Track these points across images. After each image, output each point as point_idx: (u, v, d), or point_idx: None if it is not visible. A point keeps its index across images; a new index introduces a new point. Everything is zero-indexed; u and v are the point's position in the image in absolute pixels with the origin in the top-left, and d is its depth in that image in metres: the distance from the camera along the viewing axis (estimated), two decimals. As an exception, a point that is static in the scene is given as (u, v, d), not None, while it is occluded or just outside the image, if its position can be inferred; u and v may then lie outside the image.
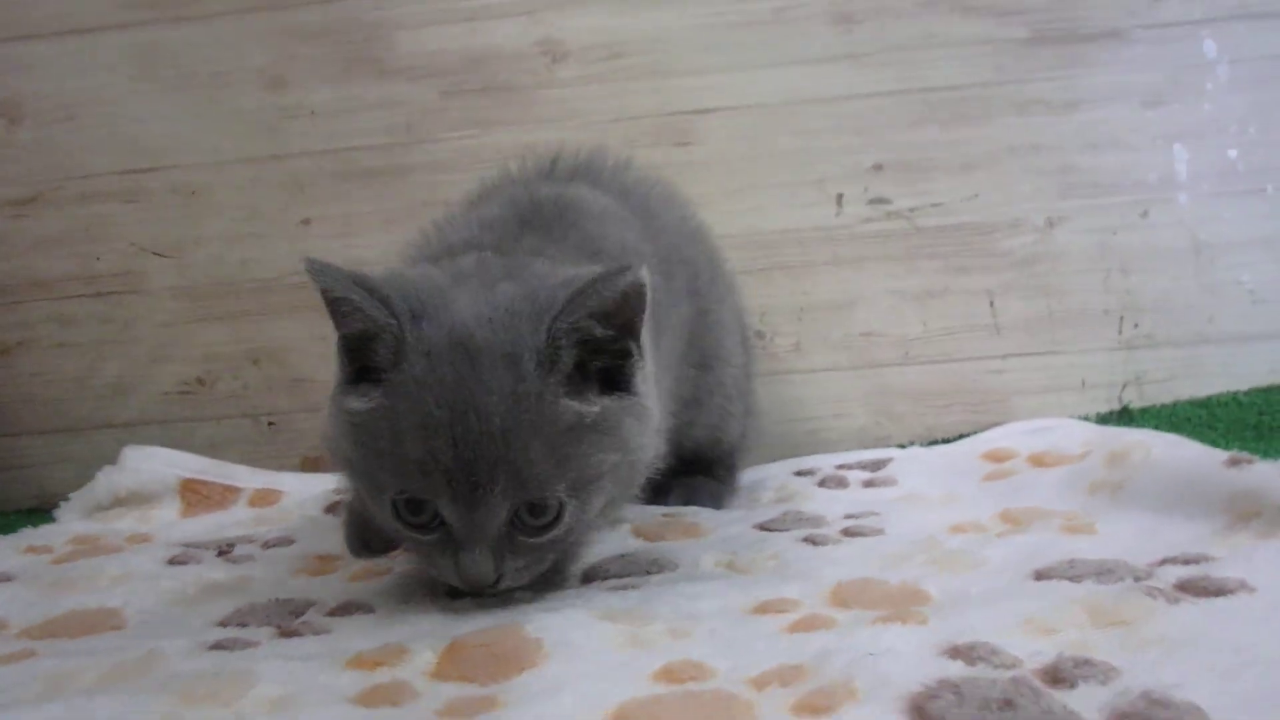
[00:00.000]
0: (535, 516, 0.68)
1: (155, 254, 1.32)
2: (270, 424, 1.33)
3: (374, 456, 0.67)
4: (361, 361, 0.69)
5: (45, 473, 1.34)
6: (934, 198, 1.27)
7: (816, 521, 0.94)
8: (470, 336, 0.66)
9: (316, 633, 0.70)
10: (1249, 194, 1.24)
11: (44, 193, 1.32)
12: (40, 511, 1.32)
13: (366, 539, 0.91)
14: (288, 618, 0.74)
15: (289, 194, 1.32)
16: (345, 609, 0.75)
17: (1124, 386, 1.27)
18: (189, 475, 1.19)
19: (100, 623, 0.76)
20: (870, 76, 1.27)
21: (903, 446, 1.26)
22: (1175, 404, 1.25)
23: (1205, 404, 1.24)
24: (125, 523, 1.13)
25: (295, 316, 1.32)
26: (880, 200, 1.28)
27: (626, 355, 0.70)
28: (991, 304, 1.28)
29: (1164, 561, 0.70)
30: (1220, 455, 0.85)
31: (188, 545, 1.00)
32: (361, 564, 0.88)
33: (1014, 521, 0.89)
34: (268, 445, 1.33)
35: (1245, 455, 0.83)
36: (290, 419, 1.33)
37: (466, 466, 0.64)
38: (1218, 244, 1.25)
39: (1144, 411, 1.26)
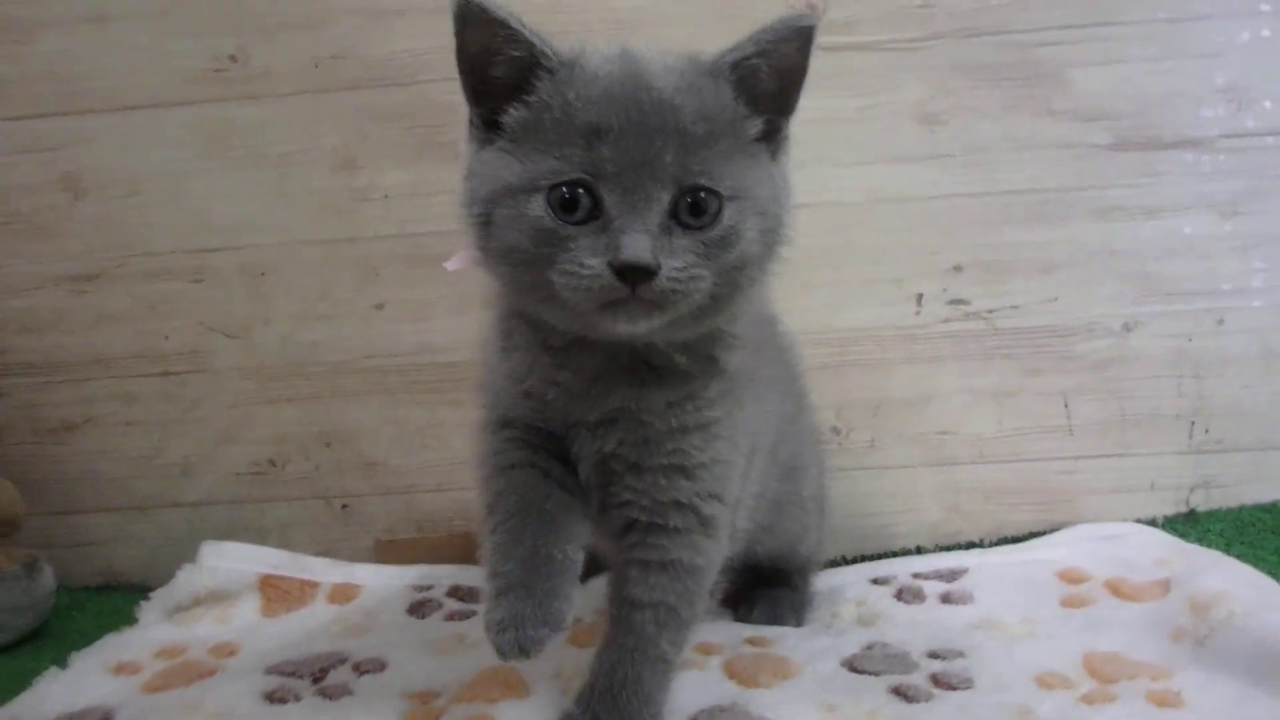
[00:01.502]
0: (695, 213, 0.67)
1: (224, 334, 1.30)
2: (344, 506, 1.33)
3: (533, 155, 0.67)
4: (497, 126, 0.70)
5: (113, 550, 1.32)
6: (1012, 299, 1.28)
7: (904, 662, 0.97)
8: (634, 54, 0.71)
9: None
10: (1321, 304, 1.26)
11: (108, 269, 1.30)
12: (109, 589, 1.32)
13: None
14: None
15: (361, 277, 1.30)
16: None
17: (1192, 490, 1.29)
18: (266, 571, 1.19)
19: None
20: (952, 177, 1.26)
21: (973, 545, 1.29)
22: (1241, 508, 1.28)
23: (1271, 509, 1.27)
24: (206, 625, 1.12)
25: (367, 400, 1.31)
26: (959, 301, 1.28)
27: (784, 104, 0.74)
28: (1065, 405, 1.29)
29: None
30: None
31: (279, 670, 0.99)
32: (467, 708, 0.89)
33: (1100, 677, 0.91)
34: (341, 528, 1.33)
35: None
36: (363, 502, 1.33)
37: (635, 133, 0.65)
38: (1288, 353, 1.27)
39: (1210, 514, 1.28)
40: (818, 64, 1.24)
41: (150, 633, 1.10)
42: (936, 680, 0.93)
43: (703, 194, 0.67)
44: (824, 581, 1.18)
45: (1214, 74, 1.25)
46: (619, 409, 0.77)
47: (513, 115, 0.69)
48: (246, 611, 1.16)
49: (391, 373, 1.31)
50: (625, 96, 0.66)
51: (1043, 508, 1.29)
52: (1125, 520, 1.26)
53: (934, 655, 0.99)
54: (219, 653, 1.06)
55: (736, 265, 0.70)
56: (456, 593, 1.20)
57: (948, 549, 1.28)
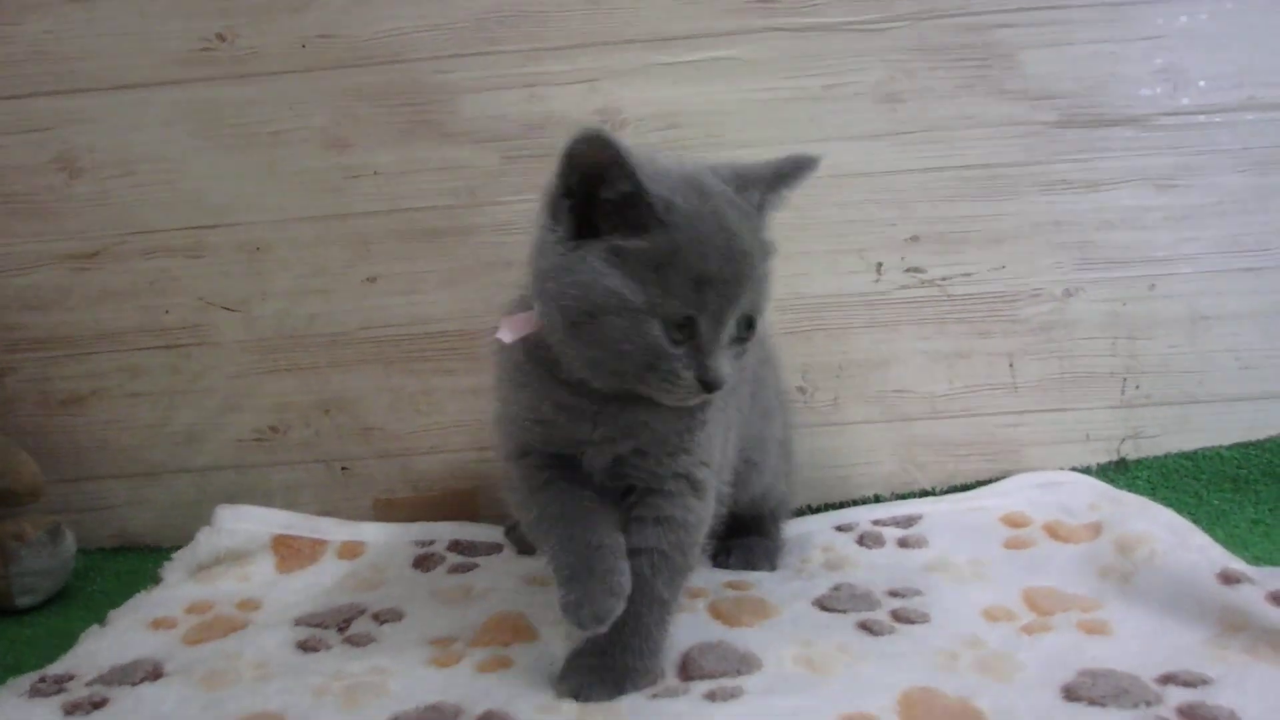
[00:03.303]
0: (744, 330, 0.86)
1: (223, 308, 1.37)
2: (344, 469, 1.41)
3: (649, 285, 0.80)
4: (586, 221, 0.82)
5: (126, 514, 1.40)
6: (964, 268, 1.38)
7: (868, 600, 1.08)
8: (705, 185, 0.84)
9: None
10: (1244, 271, 1.37)
11: (107, 247, 1.35)
12: (124, 550, 1.40)
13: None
14: None
15: (354, 252, 1.36)
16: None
17: (1123, 441, 1.42)
18: (279, 531, 1.28)
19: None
20: (911, 154, 1.35)
21: (926, 493, 1.41)
22: (1166, 456, 1.41)
23: (1192, 457, 1.40)
24: (228, 582, 1.20)
25: (363, 369, 1.39)
26: (916, 269, 1.38)
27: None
28: (1011, 365, 1.40)
29: (1168, 680, 0.85)
30: (1214, 566, 1.00)
31: (306, 621, 1.08)
32: (484, 651, 0.99)
33: (1039, 610, 1.03)
34: (342, 489, 1.41)
35: (1235, 570, 0.99)
36: (362, 464, 1.41)
37: (729, 281, 0.82)
38: (1213, 315, 1.38)
39: (1138, 463, 1.41)
40: (785, 44, 1.33)
41: (178, 591, 1.19)
42: (897, 616, 1.04)
43: (753, 318, 0.87)
44: (793, 529, 1.30)
45: (1154, 56, 1.34)
46: (634, 422, 0.91)
47: (629, 242, 0.80)
48: (264, 569, 1.24)
49: (385, 343, 1.38)
50: (722, 251, 0.81)
51: (990, 458, 1.42)
52: (1063, 469, 1.39)
53: (894, 594, 1.10)
54: (245, 607, 1.15)
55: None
56: (457, 547, 1.30)
57: (903, 497, 1.40)
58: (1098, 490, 1.31)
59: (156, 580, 1.22)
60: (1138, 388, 1.41)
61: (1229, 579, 0.98)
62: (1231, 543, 1.28)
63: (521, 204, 1.35)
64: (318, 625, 1.08)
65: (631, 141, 0.79)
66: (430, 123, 1.34)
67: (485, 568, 1.25)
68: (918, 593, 1.10)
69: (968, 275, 1.38)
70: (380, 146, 1.35)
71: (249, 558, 1.25)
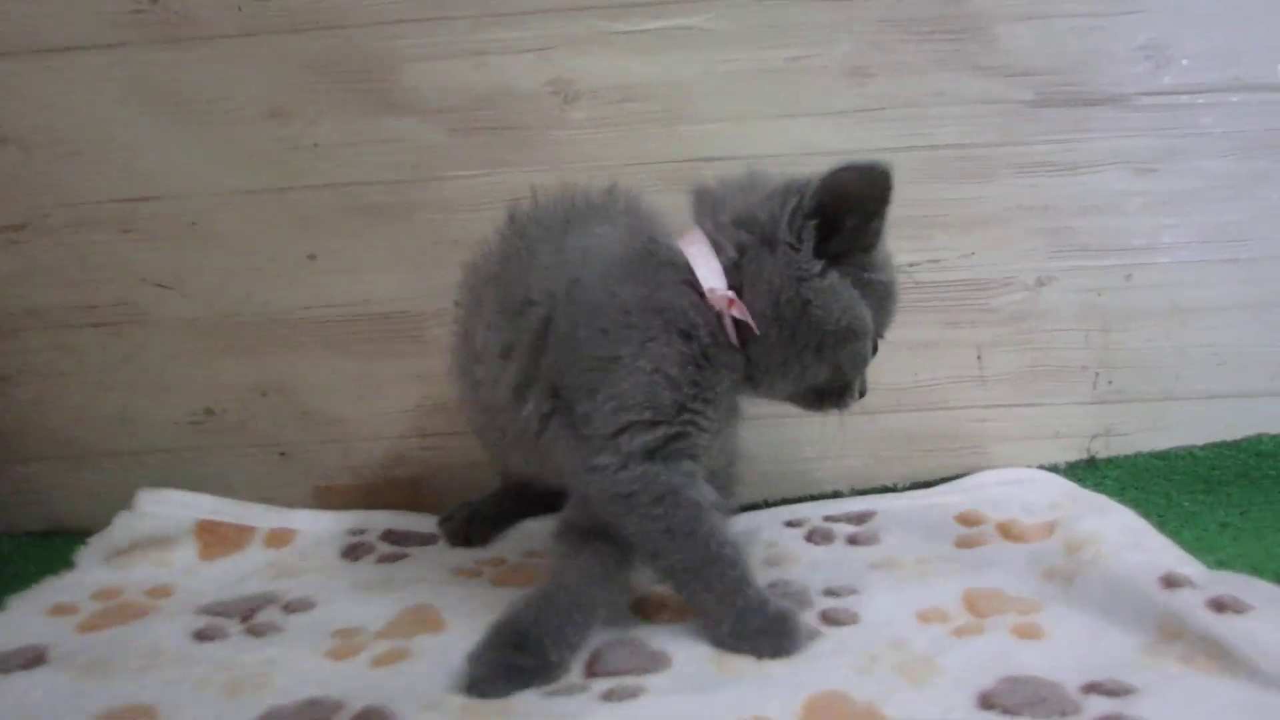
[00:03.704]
0: None
1: (157, 285, 1.31)
2: (281, 454, 1.36)
3: (877, 312, 0.95)
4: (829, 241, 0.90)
5: (54, 498, 1.35)
6: (933, 254, 1.32)
7: (800, 599, 1.02)
8: None
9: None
10: (1226, 262, 1.31)
11: (35, 219, 1.29)
12: (52, 535, 1.34)
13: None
14: None
15: (293, 228, 1.30)
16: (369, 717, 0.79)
17: (1093, 438, 1.36)
18: (204, 517, 1.23)
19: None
20: (879, 131, 1.28)
21: (889, 488, 1.35)
22: (1137, 455, 1.35)
23: (1164, 456, 1.34)
24: (144, 569, 1.15)
25: (302, 351, 1.33)
26: (882, 254, 1.31)
27: None
28: (979, 357, 1.34)
29: (1092, 689, 0.79)
30: (1158, 569, 0.94)
31: (210, 610, 1.04)
32: (387, 644, 0.95)
33: (976, 612, 0.97)
34: (279, 475, 1.36)
35: (1179, 574, 0.92)
36: (300, 449, 1.36)
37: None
38: (1192, 308, 1.32)
39: (1108, 461, 1.35)
40: (748, 14, 1.26)
41: (88, 576, 1.13)
42: (826, 617, 0.98)
43: None
44: (742, 524, 1.24)
45: (1137, 31, 1.26)
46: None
47: (867, 275, 0.92)
48: (185, 555, 1.19)
49: (326, 324, 1.32)
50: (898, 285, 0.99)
51: (955, 454, 1.36)
52: (1031, 466, 1.33)
53: (830, 593, 1.04)
54: (155, 594, 1.10)
55: None
56: (390, 536, 1.25)
57: (864, 493, 1.35)
58: (1062, 489, 1.26)
59: (70, 565, 1.17)
60: (1110, 383, 1.35)
61: (1171, 583, 0.92)
62: (1198, 546, 1.22)
63: (469, 180, 1.29)
64: (220, 614, 1.03)
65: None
66: (373, 93, 1.28)
67: (415, 558, 1.20)
68: (854, 592, 1.05)
69: (936, 261, 1.32)
70: (321, 118, 1.28)
71: (171, 543, 1.20)
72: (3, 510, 1.28)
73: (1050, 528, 1.14)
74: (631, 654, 0.90)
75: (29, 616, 1.04)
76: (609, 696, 0.82)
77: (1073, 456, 1.36)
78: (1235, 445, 1.34)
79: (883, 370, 1.32)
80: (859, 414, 1.31)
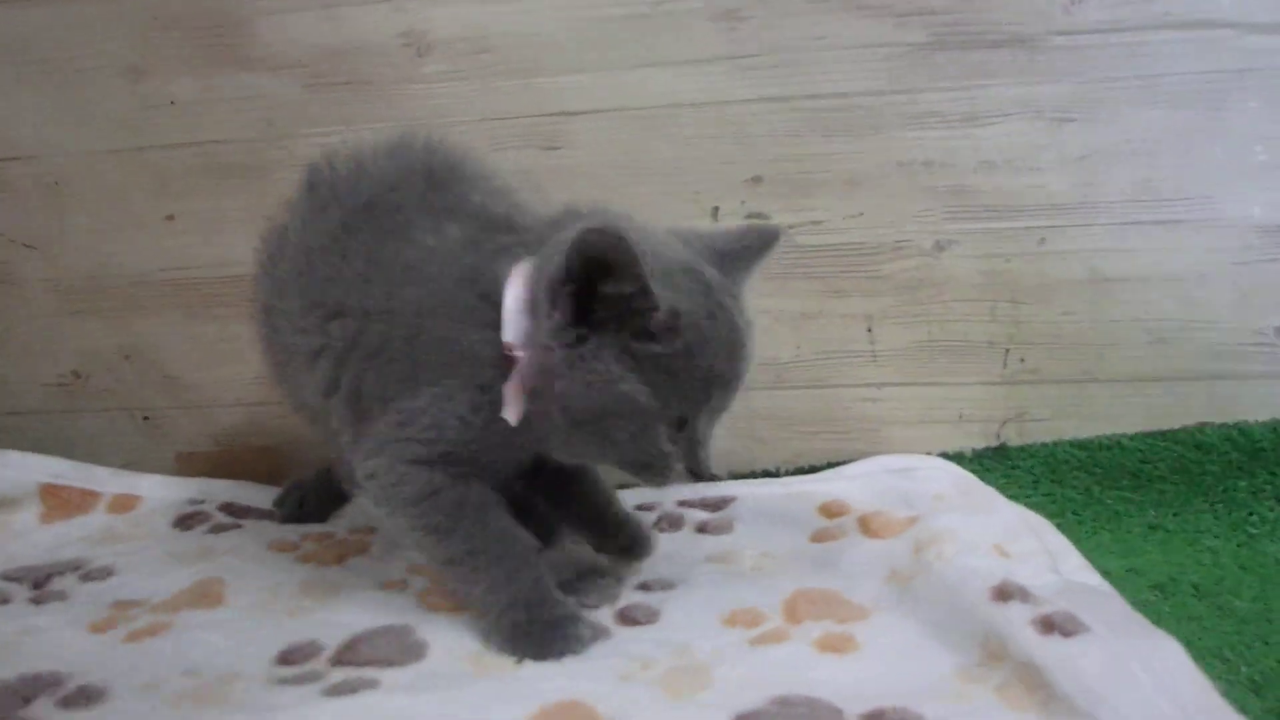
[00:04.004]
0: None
1: (24, 244, 1.31)
2: (145, 419, 1.34)
3: (663, 391, 0.78)
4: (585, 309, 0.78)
5: None
6: (815, 214, 1.19)
7: (609, 593, 0.94)
8: (704, 278, 0.81)
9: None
10: (1158, 225, 1.14)
11: (-96, 179, 1.31)
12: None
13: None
14: (19, 704, 0.75)
15: (153, 188, 1.28)
16: (79, 697, 0.75)
17: (1003, 423, 1.21)
18: (48, 480, 1.21)
19: None
20: (752, 80, 1.17)
21: (769, 473, 1.24)
22: (1056, 444, 1.19)
23: (1086, 446, 1.18)
24: (-23, 531, 1.16)
25: (163, 314, 1.30)
26: (758, 215, 1.20)
27: None
28: (869, 329, 1.21)
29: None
30: (994, 577, 0.81)
31: (7, 575, 1.01)
32: (150, 619, 0.90)
33: (791, 616, 0.87)
34: (144, 440, 1.34)
35: (1014, 585, 0.79)
36: (164, 415, 1.34)
37: (734, 379, 0.83)
38: (1118, 277, 1.15)
39: (1022, 450, 1.20)
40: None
41: (-79, 537, 1.14)
42: (623, 616, 0.90)
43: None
44: (591, 507, 1.16)
45: (1047, -39, 1.12)
46: None
47: (642, 346, 0.78)
48: (27, 518, 1.18)
49: (185, 286, 1.29)
50: (730, 350, 0.81)
51: (844, 437, 1.23)
52: (930, 453, 1.19)
53: (643, 587, 0.96)
54: (-30, 558, 1.09)
55: None
56: (228, 508, 1.20)
57: (742, 477, 1.23)
58: (954, 480, 1.12)
59: (-92, 525, 1.17)
60: (1022, 361, 1.19)
61: (1004, 595, 0.79)
62: (1114, 550, 1.08)
63: (323, 138, 1.23)
64: (14, 580, 1.00)
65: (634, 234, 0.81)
66: (228, 48, 1.24)
67: (245, 530, 1.15)
68: (669, 587, 0.95)
69: (818, 223, 1.19)
70: (178, 75, 1.25)
71: (15, 505, 1.19)
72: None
73: (909, 523, 1.01)
74: (390, 644, 0.84)
75: None
76: (336, 690, 0.76)
77: (980, 443, 1.21)
78: (1170, 435, 1.16)
79: (760, 343, 1.21)
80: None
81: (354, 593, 0.96)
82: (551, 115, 1.20)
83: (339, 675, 0.79)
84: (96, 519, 1.19)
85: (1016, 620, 0.75)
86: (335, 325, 0.90)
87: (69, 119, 1.27)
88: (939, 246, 1.18)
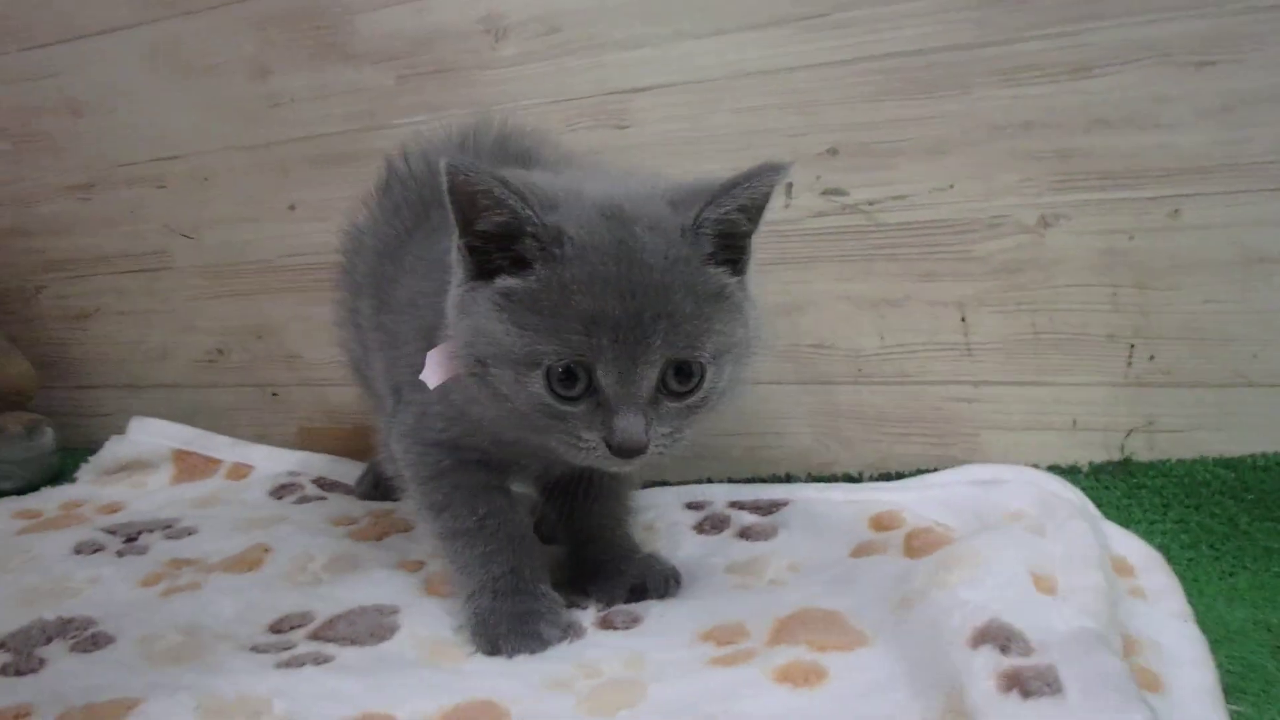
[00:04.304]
0: (681, 381, 0.72)
1: (182, 235, 1.46)
2: (274, 394, 1.45)
3: (531, 331, 0.70)
4: (486, 259, 0.72)
5: (116, 421, 1.53)
6: (897, 188, 1.05)
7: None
8: (620, 210, 0.71)
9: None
10: (1328, 189, 0.90)
11: (99, 179, 1.49)
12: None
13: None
14: (42, 641, 0.82)
15: (277, 179, 1.38)
16: (89, 642, 0.82)
17: (1128, 434, 1.00)
18: (179, 446, 1.35)
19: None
20: (821, 42, 1.05)
21: (850, 478, 1.12)
22: (1195, 461, 0.98)
23: (1235, 465, 0.96)
24: (120, 488, 1.30)
25: (287, 297, 1.40)
26: (835, 191, 1.08)
27: (746, 244, 0.76)
28: (963, 318, 1.05)
29: None
30: (981, 615, 0.67)
31: (111, 529, 1.12)
32: (192, 576, 0.96)
33: (774, 639, 0.78)
34: (272, 414, 1.45)
35: (1003, 627, 0.65)
36: (288, 391, 1.44)
37: (630, 321, 0.68)
38: (1275, 256, 0.92)
39: (1151, 467, 1.00)
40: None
41: (73, 489, 1.31)
42: (604, 620, 0.85)
43: (688, 365, 0.71)
44: (645, 497, 1.10)
45: None
46: None
47: (510, 282, 0.70)
48: (160, 479, 1.33)
49: (302, 271, 1.38)
50: (620, 282, 0.68)
51: (935, 441, 1.08)
52: (1039, 465, 1.02)
53: (636, 591, 0.90)
54: (106, 510, 1.23)
55: (714, 410, 0.76)
56: (320, 481, 1.29)
57: (821, 479, 1.12)
58: (1040, 497, 0.95)
59: (71, 479, 1.34)
60: (1152, 359, 0.99)
61: (982, 637, 0.66)
62: (1255, 598, 0.88)
63: (413, 125, 1.27)
64: (114, 533, 1.12)
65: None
66: (334, 45, 1.31)
67: (326, 503, 1.22)
68: (665, 596, 0.89)
69: (901, 198, 1.05)
70: (295, 72, 1.34)
71: (152, 467, 1.34)
72: (76, 429, 1.51)
73: (947, 542, 0.87)
74: (366, 622, 0.85)
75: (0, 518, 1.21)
76: (289, 663, 0.78)
77: (1099, 455, 1.02)
78: (1350, 457, 0.92)
79: (840, 332, 1.12)
80: (812, 382, 1.13)
81: (370, 570, 0.97)
82: (619, 93, 1.16)
83: (306, 648, 0.81)
84: (213, 483, 1.31)
85: (980, 671, 0.63)
86: (387, 319, 0.93)
87: (211, 118, 1.40)
88: (1044, 222, 1.00)
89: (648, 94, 1.14)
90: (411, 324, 0.87)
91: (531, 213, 0.69)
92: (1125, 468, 1.00)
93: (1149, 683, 0.70)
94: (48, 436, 1.44)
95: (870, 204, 1.06)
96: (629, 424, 0.69)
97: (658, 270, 0.69)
